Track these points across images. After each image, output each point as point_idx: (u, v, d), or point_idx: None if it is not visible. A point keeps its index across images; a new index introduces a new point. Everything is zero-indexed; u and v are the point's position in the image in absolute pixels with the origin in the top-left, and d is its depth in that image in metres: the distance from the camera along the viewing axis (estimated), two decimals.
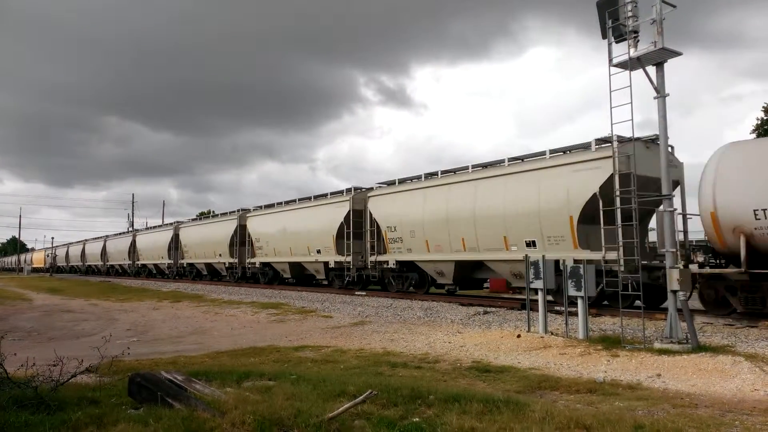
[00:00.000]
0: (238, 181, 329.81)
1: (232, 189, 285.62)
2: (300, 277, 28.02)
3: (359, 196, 22.80)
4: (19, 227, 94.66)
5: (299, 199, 27.67)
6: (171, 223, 43.59)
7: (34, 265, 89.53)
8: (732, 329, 11.25)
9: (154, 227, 50.03)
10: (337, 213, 23.33)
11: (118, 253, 53.98)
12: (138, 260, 48.96)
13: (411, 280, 21.14)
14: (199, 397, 5.43)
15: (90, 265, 65.04)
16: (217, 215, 35.67)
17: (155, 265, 45.23)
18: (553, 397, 6.84)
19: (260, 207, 31.06)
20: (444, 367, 9.02)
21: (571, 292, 10.94)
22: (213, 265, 35.28)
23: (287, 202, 28.47)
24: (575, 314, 11.16)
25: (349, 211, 22.53)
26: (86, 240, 69.31)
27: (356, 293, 22.30)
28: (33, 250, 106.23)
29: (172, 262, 41.05)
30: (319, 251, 24.72)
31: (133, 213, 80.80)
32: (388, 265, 21.24)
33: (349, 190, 23.65)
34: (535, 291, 11.91)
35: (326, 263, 24.57)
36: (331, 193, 25.19)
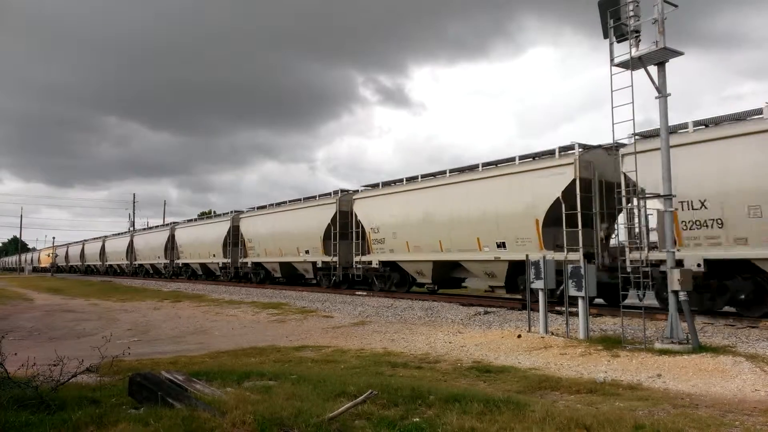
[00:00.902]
0: (238, 181, 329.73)
1: (231, 189, 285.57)
2: (443, 281, 20.22)
3: None
4: (20, 227, 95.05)
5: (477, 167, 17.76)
6: (227, 213, 34.77)
7: (42, 265, 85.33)
8: (733, 329, 11.24)
9: (201, 219, 39.81)
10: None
11: (150, 250, 45.54)
12: (177, 259, 40.33)
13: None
14: (199, 397, 5.43)
15: (111, 264, 56.56)
16: (298, 200, 27.67)
17: (202, 264, 36.62)
18: (553, 398, 6.84)
19: (375, 185, 22.45)
20: (444, 367, 9.01)
21: (572, 292, 10.93)
22: (293, 264, 27.20)
23: (424, 177, 19.78)
24: (576, 314, 11.15)
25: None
26: (106, 237, 60.86)
27: (357, 293, 22.28)
28: (34, 249, 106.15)
29: (229, 261, 32.79)
30: (502, 245, 16.30)
31: (134, 213, 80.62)
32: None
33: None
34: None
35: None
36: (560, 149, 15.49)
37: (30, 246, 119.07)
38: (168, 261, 41.91)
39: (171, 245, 41.29)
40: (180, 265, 40.05)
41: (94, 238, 65.45)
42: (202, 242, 36.18)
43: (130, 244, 50.00)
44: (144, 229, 52.64)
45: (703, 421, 5.51)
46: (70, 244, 74.86)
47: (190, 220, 41.24)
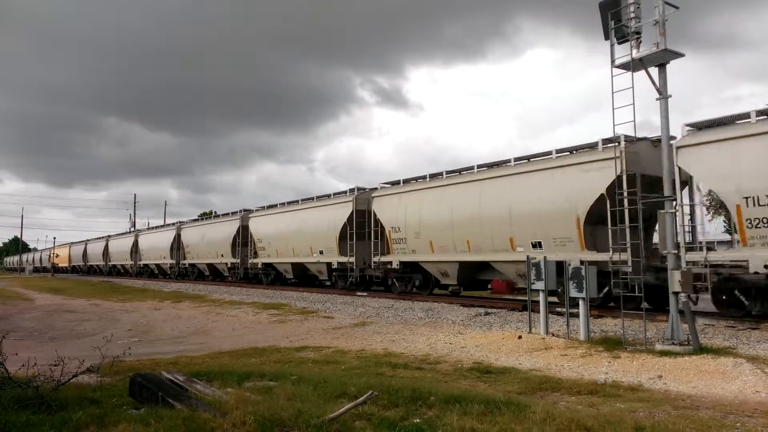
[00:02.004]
0: (238, 182, 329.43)
1: (231, 190, 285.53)
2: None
3: None
4: (21, 227, 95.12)
5: None
6: (343, 193, 24.54)
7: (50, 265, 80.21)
8: (733, 331, 11.22)
9: (294, 203, 27.95)
10: None
11: (207, 247, 35.38)
12: (254, 257, 30.11)
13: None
14: (200, 398, 5.43)
15: (147, 264, 46.37)
16: (483, 167, 17.89)
17: (296, 265, 26.96)
18: (554, 399, 6.83)
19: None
20: (445, 368, 9.01)
21: (573, 293, 10.93)
22: (493, 265, 17.13)
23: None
24: (577, 315, 11.15)
25: None
26: (139, 231, 51.21)
27: (357, 294, 22.26)
28: (35, 249, 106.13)
29: (351, 260, 22.67)
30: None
31: (135, 213, 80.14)
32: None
33: None
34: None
35: None
36: None
37: (31, 246, 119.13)
38: (236, 260, 31.97)
39: (241, 240, 31.42)
40: (258, 266, 30.06)
41: (122, 234, 56.26)
42: (301, 234, 26.04)
43: (176, 240, 39.91)
44: (194, 220, 41.80)
45: (703, 422, 5.51)
46: (89, 240, 65.95)
47: (271, 206, 30.12)
